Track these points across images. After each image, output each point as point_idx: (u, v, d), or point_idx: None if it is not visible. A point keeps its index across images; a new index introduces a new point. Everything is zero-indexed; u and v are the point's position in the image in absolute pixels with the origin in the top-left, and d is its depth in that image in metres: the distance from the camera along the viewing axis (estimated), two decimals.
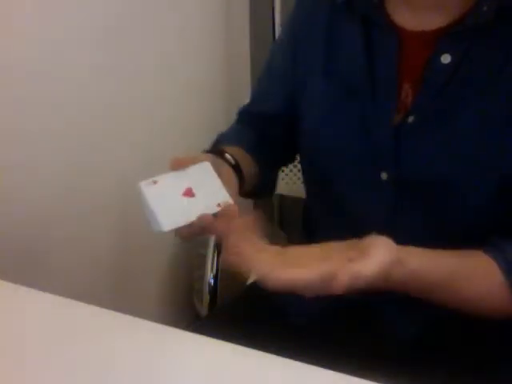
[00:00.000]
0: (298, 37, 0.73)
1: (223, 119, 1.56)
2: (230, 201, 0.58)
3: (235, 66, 1.57)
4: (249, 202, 1.23)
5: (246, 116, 0.83)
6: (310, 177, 0.78)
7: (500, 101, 0.56)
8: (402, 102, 0.62)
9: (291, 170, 1.16)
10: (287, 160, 0.88)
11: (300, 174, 1.15)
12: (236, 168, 0.66)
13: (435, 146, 0.60)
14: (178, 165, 0.59)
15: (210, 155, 0.65)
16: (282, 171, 1.14)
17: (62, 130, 0.98)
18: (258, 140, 0.79)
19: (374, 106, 0.63)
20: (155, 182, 0.59)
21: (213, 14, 1.48)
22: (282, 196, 1.41)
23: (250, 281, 0.49)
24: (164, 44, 1.27)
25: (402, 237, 0.53)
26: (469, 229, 0.60)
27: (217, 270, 1.07)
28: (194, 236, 0.56)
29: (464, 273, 0.56)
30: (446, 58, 0.58)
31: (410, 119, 0.61)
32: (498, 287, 0.55)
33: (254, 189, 0.75)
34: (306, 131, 0.72)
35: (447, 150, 0.59)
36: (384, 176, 0.63)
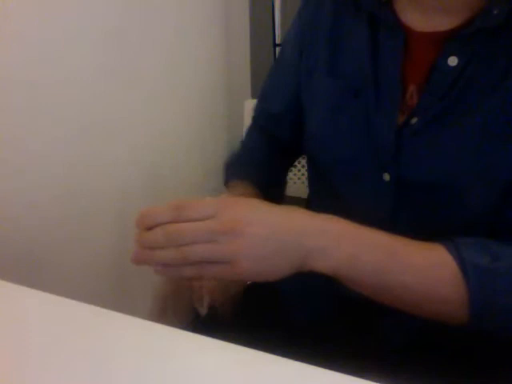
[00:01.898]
0: (305, 34, 0.73)
1: (223, 120, 1.57)
2: None
3: (235, 67, 1.57)
4: None
5: (260, 119, 0.86)
6: (312, 175, 0.79)
7: (504, 103, 0.56)
8: (406, 103, 0.62)
9: (291, 170, 1.16)
10: (295, 160, 0.90)
11: (300, 174, 1.16)
12: None
13: (438, 147, 0.60)
14: None
15: None
16: None
17: (62, 132, 0.99)
18: (268, 149, 0.82)
19: (378, 106, 0.63)
20: None
21: (213, 14, 1.48)
22: None
23: None
24: (164, 45, 1.27)
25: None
26: (470, 230, 0.60)
27: None
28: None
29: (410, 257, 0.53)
30: (453, 61, 0.57)
31: (414, 120, 0.60)
32: (451, 277, 0.51)
33: None
34: (308, 129, 0.72)
35: (450, 151, 0.59)
36: (386, 177, 0.63)
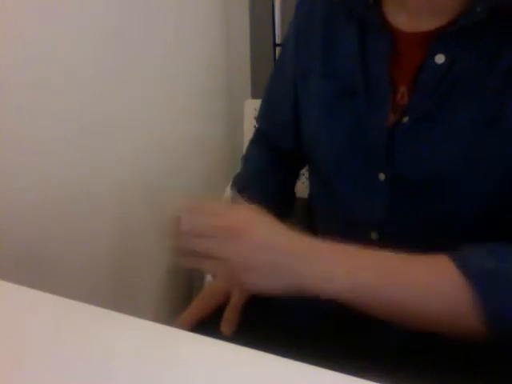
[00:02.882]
0: (301, 27, 0.73)
1: (223, 120, 1.57)
2: None
3: (235, 67, 1.57)
4: None
5: (263, 127, 0.87)
6: (312, 175, 0.80)
7: (490, 98, 0.57)
8: (398, 103, 0.62)
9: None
10: (301, 169, 0.90)
11: (300, 174, 1.16)
12: None
13: (430, 144, 0.60)
14: None
15: None
16: None
17: (62, 132, 0.98)
18: (272, 162, 0.83)
19: (369, 108, 0.64)
20: None
21: (213, 14, 1.48)
22: None
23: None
24: (164, 45, 1.27)
25: (402, 236, 0.53)
26: (468, 227, 0.60)
27: None
28: None
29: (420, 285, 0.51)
30: (440, 58, 0.58)
31: (405, 119, 0.61)
32: (457, 288, 0.49)
33: None
34: (305, 129, 0.72)
35: (442, 149, 0.59)
36: (382, 176, 0.64)
